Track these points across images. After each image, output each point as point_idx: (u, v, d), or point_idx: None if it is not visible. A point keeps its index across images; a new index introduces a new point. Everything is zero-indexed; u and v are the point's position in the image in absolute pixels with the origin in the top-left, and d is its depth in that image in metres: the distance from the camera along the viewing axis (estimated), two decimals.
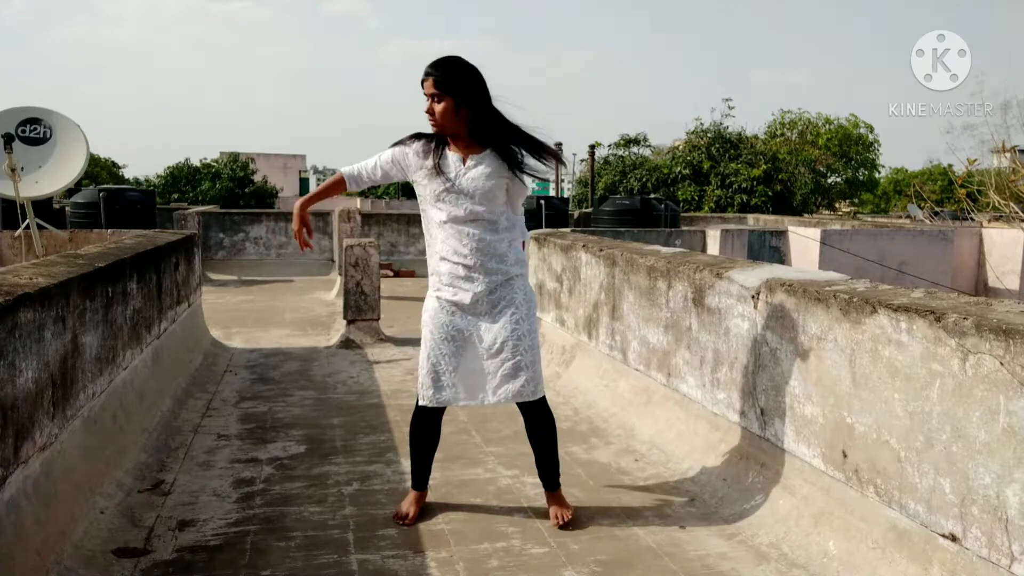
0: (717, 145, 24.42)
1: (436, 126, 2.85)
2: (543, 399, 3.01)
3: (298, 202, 3.10)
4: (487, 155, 2.89)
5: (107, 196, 12.28)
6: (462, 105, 2.81)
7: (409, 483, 3.16)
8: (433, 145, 2.91)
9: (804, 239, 11.38)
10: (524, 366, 2.91)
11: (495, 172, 2.87)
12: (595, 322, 5.08)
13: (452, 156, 2.89)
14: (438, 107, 2.81)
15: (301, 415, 4.50)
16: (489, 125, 2.87)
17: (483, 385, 2.94)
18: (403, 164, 2.97)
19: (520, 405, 3.01)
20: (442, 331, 2.92)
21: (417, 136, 2.97)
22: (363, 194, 51.97)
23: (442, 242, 2.92)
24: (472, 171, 2.86)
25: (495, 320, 2.91)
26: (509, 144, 2.89)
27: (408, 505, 3.06)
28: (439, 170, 2.86)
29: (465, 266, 2.88)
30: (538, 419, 3.03)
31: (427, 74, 2.81)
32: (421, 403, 2.98)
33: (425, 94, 2.82)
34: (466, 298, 2.89)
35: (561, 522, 2.98)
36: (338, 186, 3.07)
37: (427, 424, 3.06)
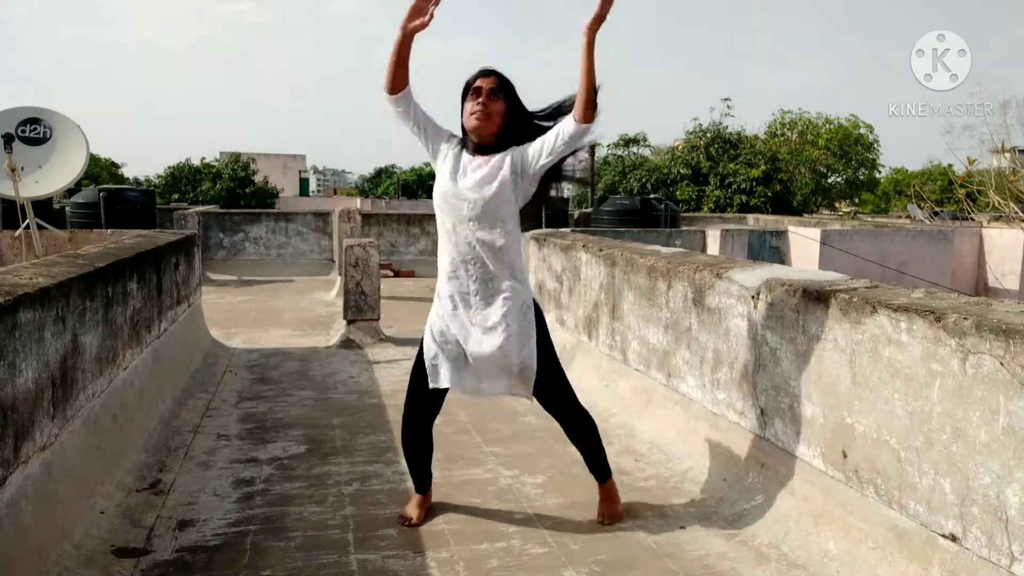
0: (716, 145, 24.41)
1: (482, 122, 2.79)
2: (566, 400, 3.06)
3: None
4: (499, 155, 2.83)
5: (107, 196, 12.27)
6: (510, 113, 2.84)
7: (409, 483, 3.17)
8: (454, 142, 2.92)
9: (804, 239, 11.38)
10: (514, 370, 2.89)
11: (504, 170, 2.80)
12: (595, 322, 5.08)
13: (466, 156, 2.87)
14: (494, 105, 2.80)
15: (301, 415, 4.50)
16: (521, 136, 2.85)
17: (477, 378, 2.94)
18: (435, 132, 2.94)
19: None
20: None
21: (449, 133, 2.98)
22: (363, 194, 52.08)
23: (443, 247, 2.93)
24: (480, 169, 2.82)
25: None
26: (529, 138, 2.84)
27: (412, 508, 3.07)
28: (453, 163, 2.86)
29: (465, 269, 2.87)
30: (563, 419, 3.11)
31: (487, 73, 2.83)
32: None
33: (483, 88, 2.79)
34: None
35: (602, 520, 3.05)
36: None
37: (410, 428, 3.06)
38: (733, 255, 10.89)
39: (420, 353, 2.97)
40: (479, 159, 2.84)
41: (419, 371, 2.97)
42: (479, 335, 2.85)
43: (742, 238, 11.51)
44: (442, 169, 2.89)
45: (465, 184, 2.81)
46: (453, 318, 2.89)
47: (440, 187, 2.87)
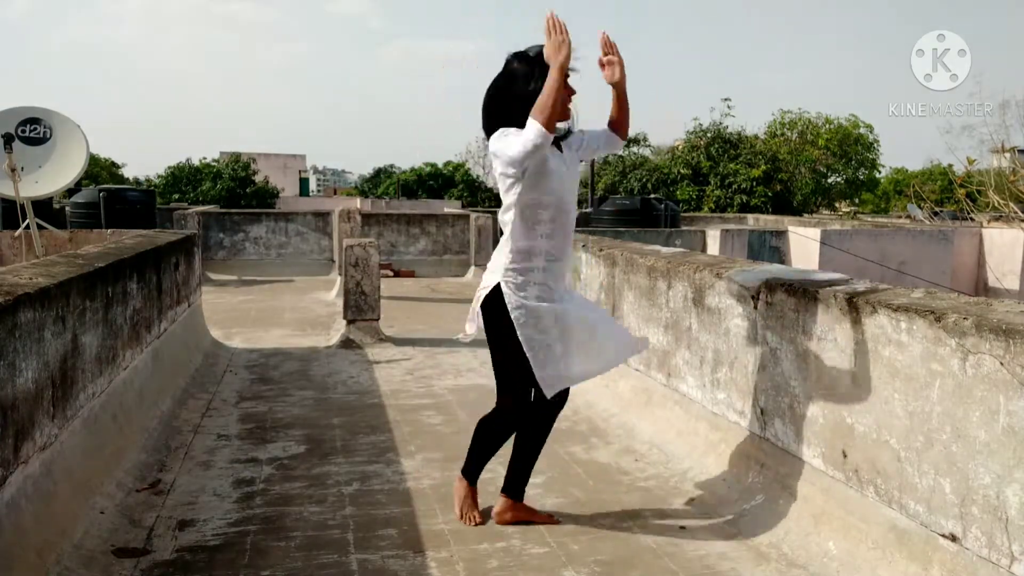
0: (716, 145, 24.43)
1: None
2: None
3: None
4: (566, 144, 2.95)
5: (107, 196, 12.27)
6: None
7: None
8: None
9: (804, 239, 11.38)
10: None
11: (582, 162, 3.05)
12: None
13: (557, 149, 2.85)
14: None
15: (301, 415, 4.50)
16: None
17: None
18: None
19: None
20: None
21: None
22: (363, 194, 52.04)
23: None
24: (573, 161, 2.98)
25: None
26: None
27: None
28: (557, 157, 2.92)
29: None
30: None
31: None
32: None
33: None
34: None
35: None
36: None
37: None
38: (733, 255, 10.88)
39: None
40: (565, 152, 2.88)
41: None
42: None
43: (742, 238, 11.52)
44: (551, 163, 2.75)
45: (573, 176, 2.90)
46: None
47: (557, 181, 2.75)
